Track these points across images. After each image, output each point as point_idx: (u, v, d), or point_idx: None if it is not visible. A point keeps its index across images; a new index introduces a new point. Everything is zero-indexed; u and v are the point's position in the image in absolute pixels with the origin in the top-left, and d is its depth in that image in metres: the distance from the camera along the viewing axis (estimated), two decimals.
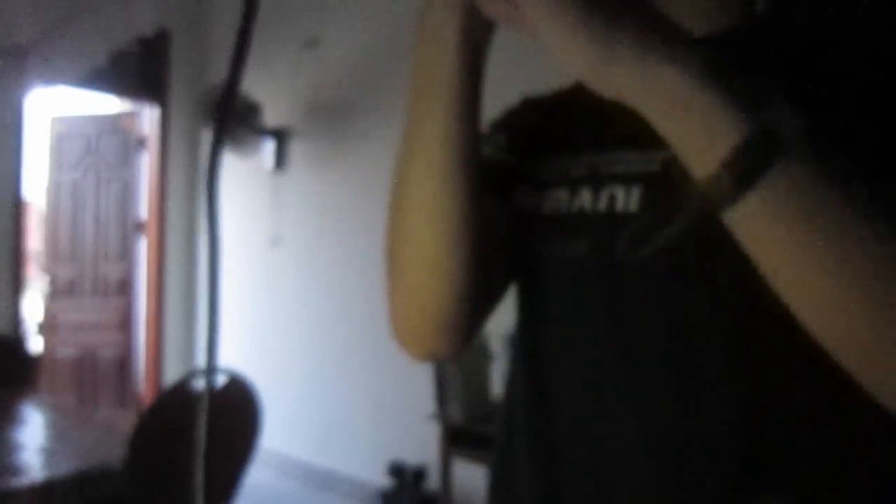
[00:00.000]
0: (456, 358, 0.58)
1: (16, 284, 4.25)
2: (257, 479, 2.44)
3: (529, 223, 0.61)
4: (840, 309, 0.38)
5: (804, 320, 0.40)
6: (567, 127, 0.62)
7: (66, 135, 4.77)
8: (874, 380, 0.40)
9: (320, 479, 3.73)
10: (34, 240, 5.04)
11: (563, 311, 0.58)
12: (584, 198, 0.57)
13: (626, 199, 0.54)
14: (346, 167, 3.74)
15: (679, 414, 0.50)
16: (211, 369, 0.46)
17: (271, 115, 4.03)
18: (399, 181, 0.55)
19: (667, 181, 0.43)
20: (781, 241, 0.38)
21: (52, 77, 4.21)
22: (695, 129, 0.38)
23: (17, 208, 4.25)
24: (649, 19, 0.39)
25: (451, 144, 0.51)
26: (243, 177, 4.34)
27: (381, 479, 3.17)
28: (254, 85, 4.06)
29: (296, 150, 4.04)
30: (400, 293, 0.60)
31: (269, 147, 4.06)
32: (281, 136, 4.06)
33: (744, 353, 0.48)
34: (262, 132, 4.03)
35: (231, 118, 3.87)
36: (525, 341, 0.62)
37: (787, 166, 0.36)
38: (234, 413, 1.99)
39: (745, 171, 0.36)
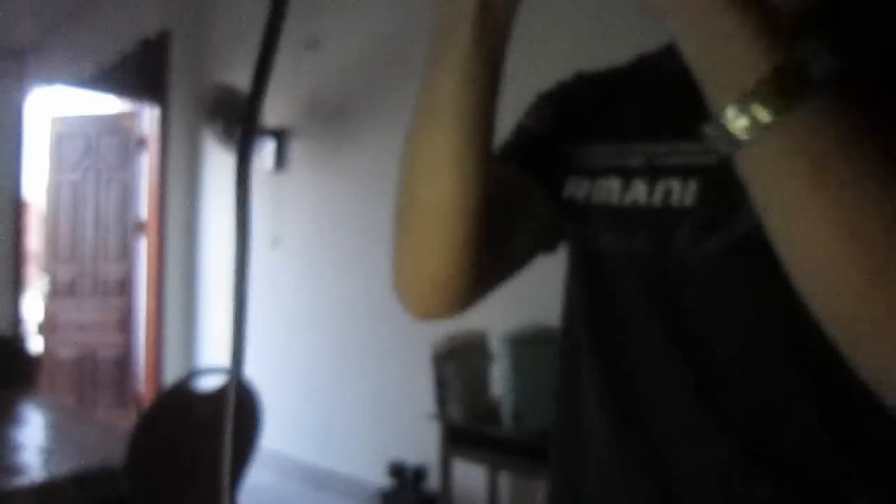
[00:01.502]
0: (454, 314, 0.60)
1: (16, 284, 4.26)
2: (257, 479, 2.43)
3: (580, 211, 0.59)
4: (838, 270, 0.36)
5: (801, 282, 0.38)
6: (621, 110, 0.61)
7: (66, 135, 4.77)
8: (870, 361, 0.38)
9: (320, 479, 3.73)
10: (34, 240, 5.04)
11: (627, 308, 0.57)
12: (639, 189, 0.55)
13: (683, 192, 0.52)
14: (346, 167, 3.74)
15: (761, 421, 0.49)
16: (237, 367, 0.45)
17: (271, 115, 4.03)
18: (410, 136, 0.54)
19: (725, 175, 0.42)
20: (793, 187, 0.36)
21: (52, 77, 4.21)
22: (722, 56, 0.36)
23: (17, 208, 4.25)
24: None
25: (461, 102, 0.50)
26: None
27: (381, 479, 3.17)
28: None
29: (296, 150, 4.04)
30: (403, 250, 0.59)
31: (269, 147, 4.06)
32: (281, 136, 4.06)
33: (817, 353, 0.45)
34: (262, 132, 4.03)
35: (236, 119, 3.87)
36: (589, 336, 0.60)
37: (815, 104, 0.34)
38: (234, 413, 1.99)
39: (771, 102, 0.34)
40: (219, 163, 4.53)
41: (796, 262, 0.38)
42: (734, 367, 0.50)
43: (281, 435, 3.47)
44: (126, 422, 3.60)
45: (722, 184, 0.46)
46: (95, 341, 4.69)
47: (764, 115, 0.34)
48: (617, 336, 0.57)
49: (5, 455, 1.80)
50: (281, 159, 4.08)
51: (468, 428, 2.55)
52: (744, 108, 0.35)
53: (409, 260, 0.59)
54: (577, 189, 0.60)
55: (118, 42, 4.27)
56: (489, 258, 0.58)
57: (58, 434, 2.13)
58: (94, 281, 4.74)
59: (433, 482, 2.93)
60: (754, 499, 0.49)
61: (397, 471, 3.05)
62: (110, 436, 2.00)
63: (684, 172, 0.52)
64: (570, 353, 0.63)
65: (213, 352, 4.59)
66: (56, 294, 4.74)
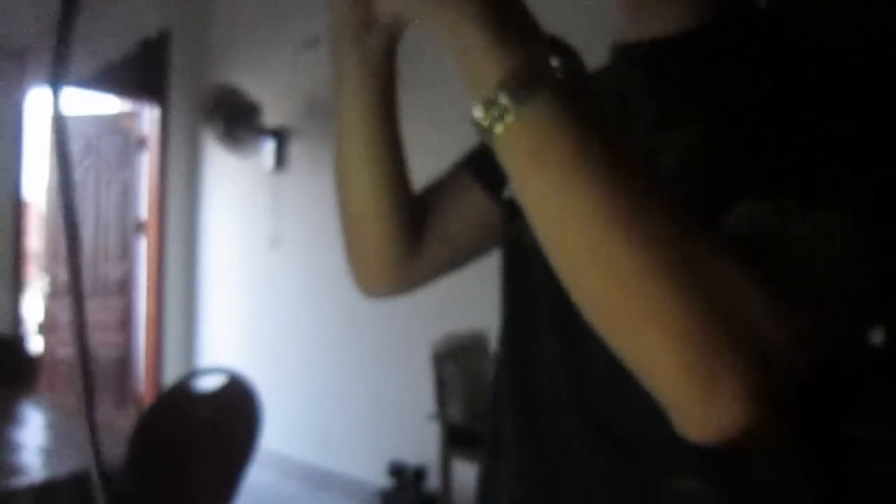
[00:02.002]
0: (399, 293, 0.78)
1: (16, 284, 4.25)
2: (257, 479, 2.44)
3: (513, 209, 0.65)
4: (572, 265, 0.39)
5: (559, 269, 0.41)
6: None
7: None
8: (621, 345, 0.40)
9: (320, 479, 3.73)
10: (34, 240, 5.03)
11: (537, 300, 0.62)
12: None
13: None
14: None
15: (616, 404, 0.54)
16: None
17: (271, 115, 4.03)
18: (335, 150, 0.67)
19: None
20: (523, 178, 0.39)
21: (52, 77, 4.20)
22: (464, 64, 0.40)
23: (17, 208, 4.25)
24: None
25: (357, 129, 0.63)
26: (243, 177, 4.34)
27: (381, 479, 3.17)
28: (254, 85, 4.06)
29: (296, 150, 4.04)
30: (345, 239, 0.74)
31: (269, 147, 4.06)
32: (281, 136, 4.06)
33: None
34: (262, 132, 4.03)
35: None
36: (503, 334, 0.68)
37: (550, 101, 0.37)
38: (234, 413, 1.99)
39: (503, 105, 0.38)
40: (219, 163, 4.53)
41: (542, 237, 0.41)
42: (614, 367, 0.51)
43: (281, 435, 3.47)
44: (126, 422, 3.60)
45: None
46: (95, 341, 4.69)
47: (496, 116, 0.38)
48: (525, 335, 0.63)
49: (5, 455, 1.80)
50: (281, 159, 4.08)
51: (468, 428, 2.55)
52: (487, 107, 0.39)
53: (347, 247, 0.74)
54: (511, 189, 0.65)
55: (118, 42, 4.27)
56: (424, 246, 0.71)
57: (58, 434, 2.13)
58: (94, 281, 4.74)
59: (433, 482, 2.93)
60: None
61: (397, 471, 3.05)
62: (110, 436, 1.99)
63: None
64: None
65: (213, 352, 4.59)
66: (56, 294, 4.74)
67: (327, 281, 3.77)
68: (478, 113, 0.39)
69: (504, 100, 0.38)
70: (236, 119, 3.94)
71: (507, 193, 0.66)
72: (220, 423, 1.98)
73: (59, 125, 0.48)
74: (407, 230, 0.69)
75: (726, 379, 0.35)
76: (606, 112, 0.39)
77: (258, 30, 4.19)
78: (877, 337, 2.18)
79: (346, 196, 0.69)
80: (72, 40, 0.44)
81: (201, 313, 4.72)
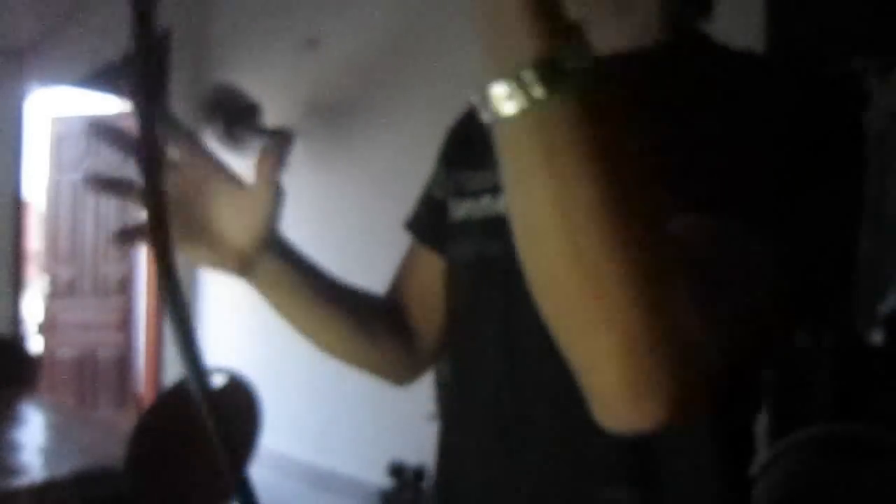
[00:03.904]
0: (410, 382, 0.86)
1: (16, 284, 4.26)
2: (257, 479, 2.43)
3: (451, 230, 0.70)
4: (548, 260, 0.39)
5: (527, 269, 0.41)
6: (479, 139, 0.69)
7: (66, 135, 4.76)
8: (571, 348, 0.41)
9: (320, 479, 3.73)
10: (34, 240, 5.04)
11: (470, 310, 0.68)
12: (501, 203, 0.62)
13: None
14: (347, 167, 3.74)
15: (555, 418, 0.57)
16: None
17: (271, 115, 4.03)
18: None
19: None
20: (529, 169, 0.37)
21: (52, 77, 4.21)
22: (500, 35, 0.37)
23: (17, 208, 4.25)
24: None
25: (292, 313, 0.75)
26: (243, 177, 4.34)
27: (381, 479, 3.17)
28: (254, 85, 4.06)
29: (296, 150, 4.04)
30: None
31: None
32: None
33: None
34: (262, 132, 4.03)
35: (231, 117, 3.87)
36: (449, 344, 0.74)
37: (580, 98, 0.36)
38: (234, 413, 1.99)
39: (530, 87, 0.36)
40: None
41: (520, 235, 0.40)
42: (546, 366, 0.52)
43: (281, 435, 3.47)
44: (126, 422, 3.60)
45: None
46: (95, 341, 4.69)
47: (521, 96, 0.36)
48: (463, 340, 0.69)
49: (5, 455, 1.80)
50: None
51: None
52: (509, 86, 0.36)
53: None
54: (455, 212, 0.70)
55: (118, 42, 4.27)
56: (421, 332, 0.77)
57: (58, 434, 2.13)
58: (94, 281, 4.74)
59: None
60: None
61: (397, 471, 3.05)
62: (110, 436, 1.99)
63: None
64: None
65: (213, 352, 4.59)
66: (56, 294, 4.74)
67: None
68: (498, 89, 0.36)
69: (534, 81, 0.35)
70: (236, 119, 3.94)
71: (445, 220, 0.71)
72: (220, 423, 1.98)
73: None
74: (394, 342, 0.76)
75: (658, 386, 0.38)
76: (622, 116, 0.38)
77: (258, 30, 4.19)
78: (877, 337, 2.16)
79: (326, 348, 0.76)
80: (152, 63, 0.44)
81: (201, 313, 4.72)
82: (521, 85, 0.36)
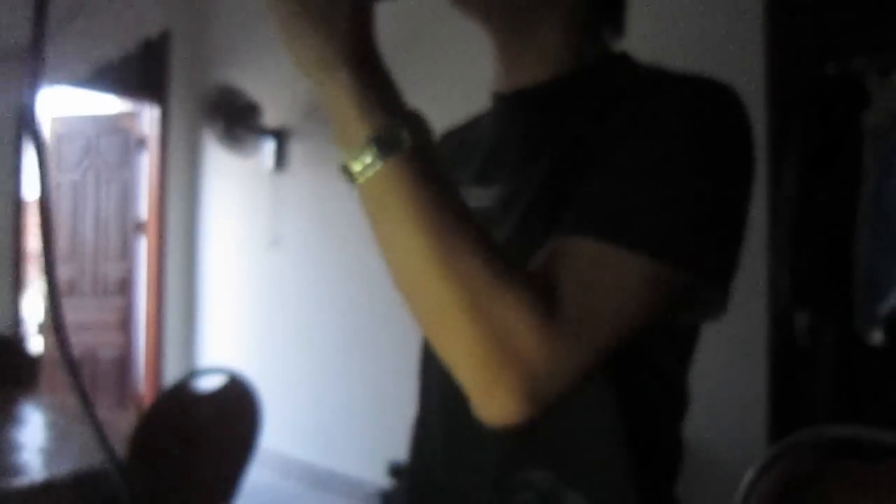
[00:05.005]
0: None
1: (16, 284, 4.25)
2: (257, 479, 2.43)
3: None
4: (402, 289, 0.50)
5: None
6: (461, 158, 0.73)
7: (66, 135, 4.76)
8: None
9: (320, 479, 3.73)
10: (34, 240, 5.03)
11: None
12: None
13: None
14: None
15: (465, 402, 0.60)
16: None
17: (271, 115, 4.03)
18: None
19: (501, 212, 0.62)
20: (377, 220, 0.50)
21: (52, 77, 4.21)
22: (334, 118, 0.51)
23: (17, 208, 4.25)
24: (355, 35, 0.54)
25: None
26: (243, 177, 4.34)
27: (381, 479, 3.17)
28: (254, 85, 4.06)
29: (296, 150, 4.04)
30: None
31: (269, 147, 4.06)
32: (281, 136, 4.06)
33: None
34: (262, 132, 4.03)
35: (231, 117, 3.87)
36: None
37: (397, 163, 0.47)
38: (234, 413, 1.99)
39: (362, 157, 0.49)
40: (219, 163, 4.53)
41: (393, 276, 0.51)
42: None
43: (281, 435, 3.47)
44: (126, 422, 3.60)
45: (497, 219, 0.63)
46: (95, 341, 4.69)
47: (357, 166, 0.49)
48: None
49: (5, 455, 1.80)
50: (281, 159, 4.08)
51: None
52: (349, 157, 0.49)
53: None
54: None
55: (118, 42, 4.27)
56: None
57: (58, 434, 2.13)
58: (94, 281, 4.74)
59: None
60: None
61: (397, 471, 3.05)
62: (110, 436, 2.00)
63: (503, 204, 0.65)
64: None
65: (213, 352, 4.59)
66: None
67: (327, 281, 3.77)
68: (348, 164, 0.49)
69: (367, 157, 0.48)
70: (236, 119, 3.94)
71: None
72: (220, 423, 1.98)
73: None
74: None
75: (499, 388, 0.47)
76: (442, 174, 0.49)
77: (258, 30, 4.18)
78: (877, 337, 2.15)
79: None
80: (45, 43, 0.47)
81: (201, 313, 4.72)
82: (360, 161, 0.49)
